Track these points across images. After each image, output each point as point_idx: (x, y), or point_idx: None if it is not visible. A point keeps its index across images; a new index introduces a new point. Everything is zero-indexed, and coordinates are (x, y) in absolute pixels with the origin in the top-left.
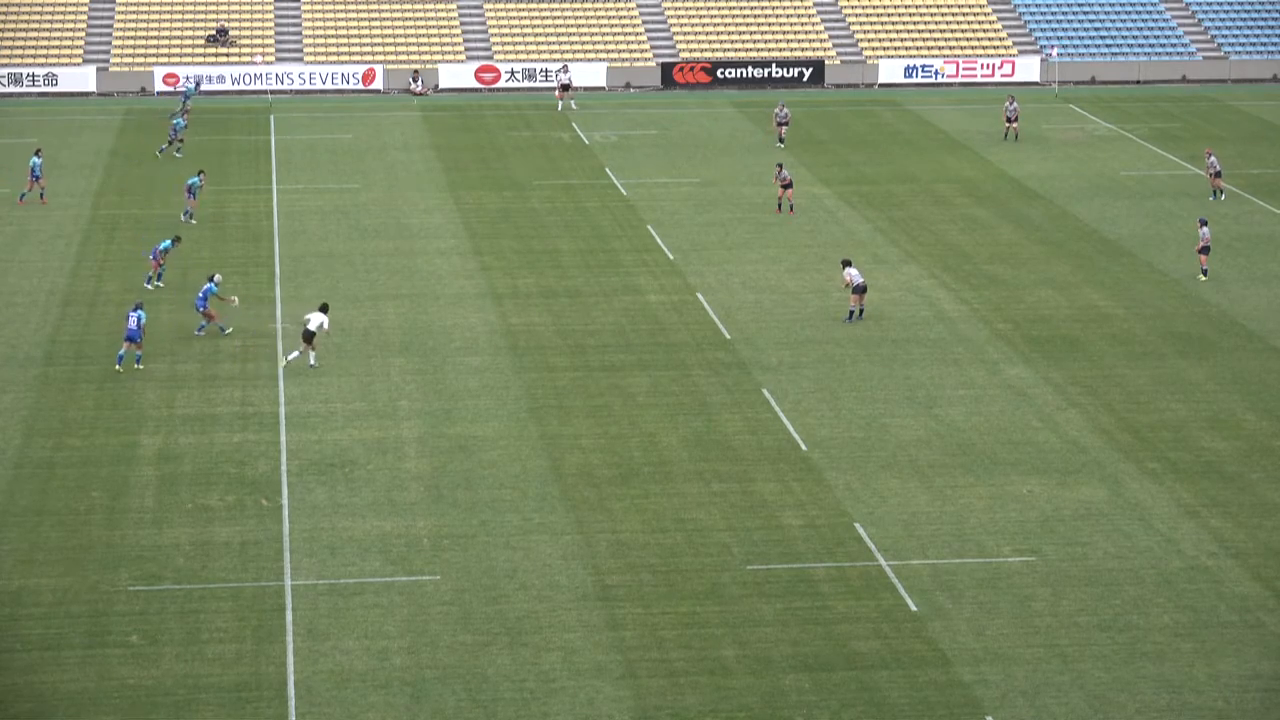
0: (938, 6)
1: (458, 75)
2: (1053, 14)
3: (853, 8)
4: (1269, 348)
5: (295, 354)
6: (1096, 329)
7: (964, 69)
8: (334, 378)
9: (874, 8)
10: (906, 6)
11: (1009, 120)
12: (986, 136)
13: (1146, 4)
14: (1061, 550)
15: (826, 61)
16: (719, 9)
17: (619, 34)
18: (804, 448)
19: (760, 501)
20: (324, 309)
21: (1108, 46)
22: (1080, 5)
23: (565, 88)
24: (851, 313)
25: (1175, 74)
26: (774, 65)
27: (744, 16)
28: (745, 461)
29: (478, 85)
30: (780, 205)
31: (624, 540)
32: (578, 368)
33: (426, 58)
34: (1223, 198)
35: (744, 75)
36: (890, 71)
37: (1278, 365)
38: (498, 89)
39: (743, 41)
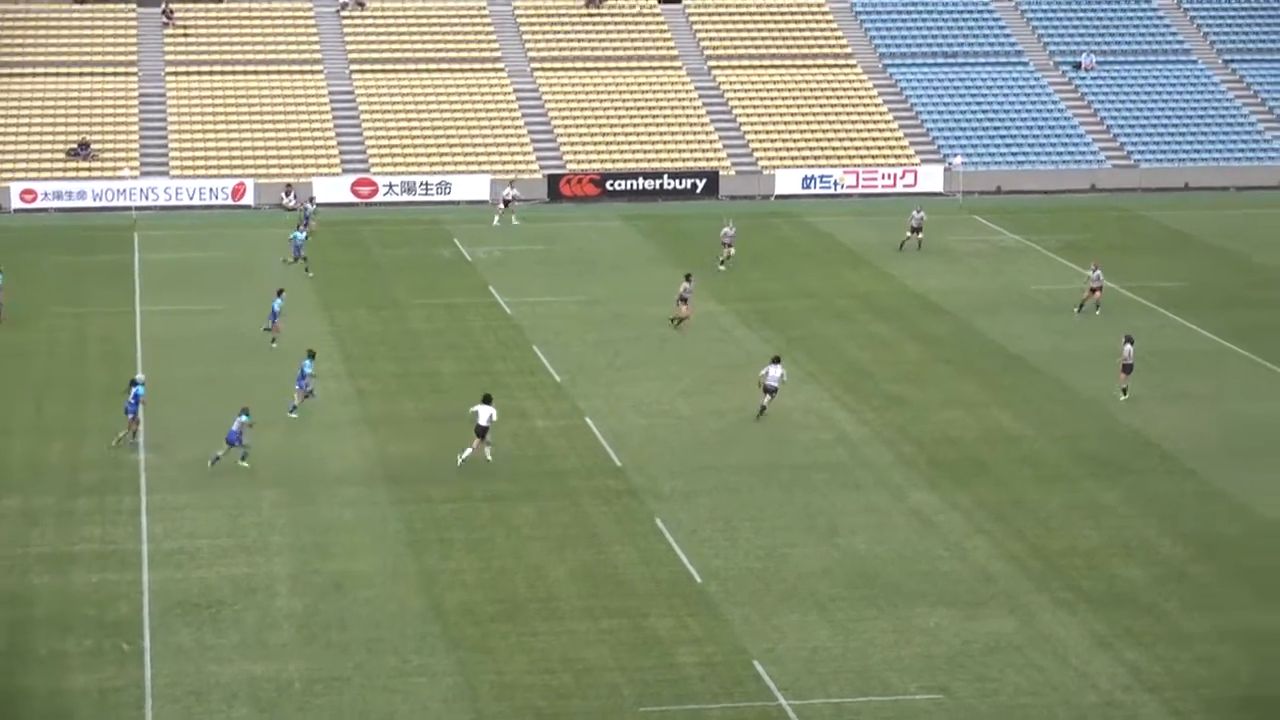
0: (837, 115)
1: (333, 189)
2: (956, 122)
3: (748, 116)
4: (1183, 469)
5: (468, 451)
6: (1005, 451)
7: (864, 179)
8: (200, 511)
9: (770, 117)
10: (804, 115)
11: (913, 230)
12: (889, 249)
13: (1054, 112)
14: (970, 687)
15: (721, 172)
16: (608, 118)
17: (503, 144)
18: (699, 580)
19: (653, 638)
20: (488, 400)
21: (1014, 155)
22: (985, 113)
23: (508, 202)
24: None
25: (1084, 183)
26: (665, 176)
27: (634, 126)
28: (637, 596)
29: (354, 199)
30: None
31: (509, 682)
32: (459, 498)
33: (300, 170)
34: (1097, 313)
35: (634, 187)
36: (787, 182)
37: (1192, 488)
38: (375, 203)
39: (633, 152)
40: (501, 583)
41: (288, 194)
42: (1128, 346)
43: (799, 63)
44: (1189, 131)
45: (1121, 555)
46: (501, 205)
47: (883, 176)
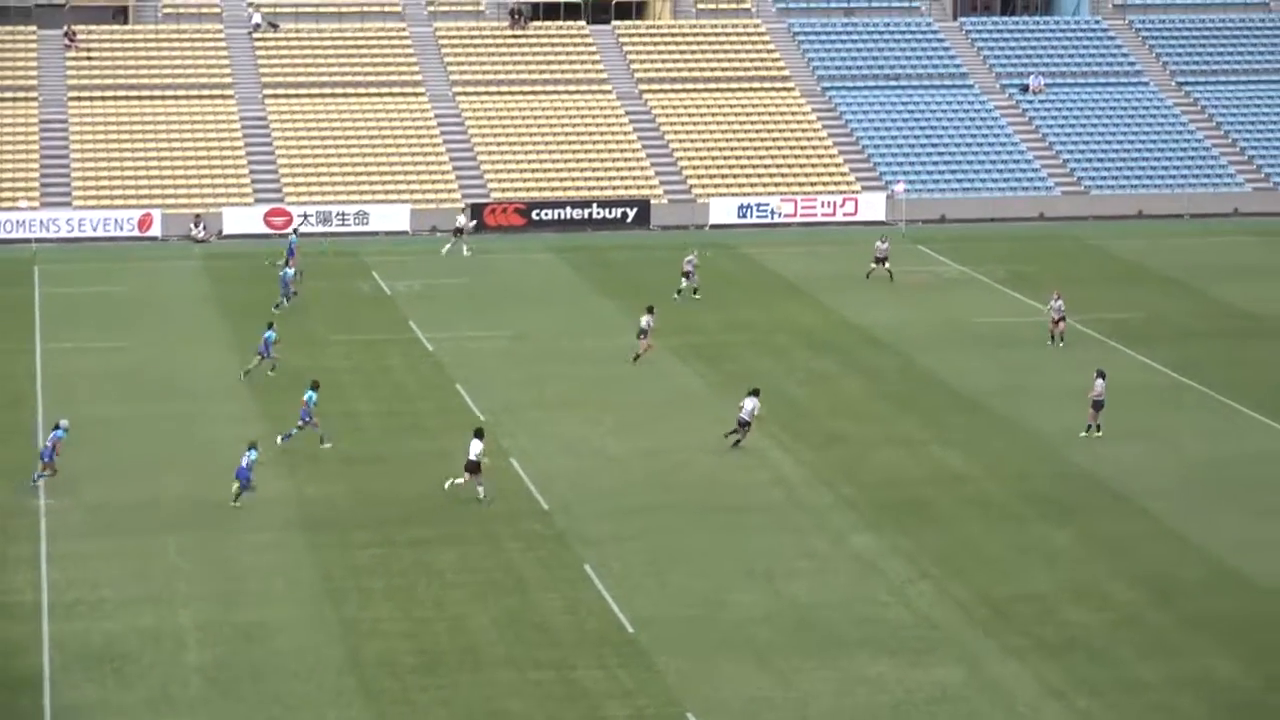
0: (774, 140)
1: (245, 220)
2: (899, 147)
3: (681, 142)
4: (1137, 510)
5: (458, 481)
6: (950, 491)
7: (803, 208)
8: (104, 559)
9: (704, 142)
10: (740, 140)
11: (878, 260)
12: (828, 281)
13: (1000, 136)
14: None
15: (653, 201)
16: (534, 144)
17: (424, 172)
18: (630, 629)
19: (581, 691)
20: (479, 434)
21: (959, 182)
22: (929, 138)
23: (459, 231)
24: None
25: (1032, 211)
26: (595, 205)
27: (562, 153)
28: (565, 646)
29: (267, 230)
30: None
31: None
32: (378, 543)
33: (210, 200)
34: (1061, 344)
35: (562, 217)
36: (722, 211)
37: (1147, 529)
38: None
39: (560, 180)
40: (422, 632)
41: (197, 225)
42: (1099, 381)
43: (734, 86)
44: (1141, 157)
45: (1073, 600)
46: (454, 234)
47: (822, 205)
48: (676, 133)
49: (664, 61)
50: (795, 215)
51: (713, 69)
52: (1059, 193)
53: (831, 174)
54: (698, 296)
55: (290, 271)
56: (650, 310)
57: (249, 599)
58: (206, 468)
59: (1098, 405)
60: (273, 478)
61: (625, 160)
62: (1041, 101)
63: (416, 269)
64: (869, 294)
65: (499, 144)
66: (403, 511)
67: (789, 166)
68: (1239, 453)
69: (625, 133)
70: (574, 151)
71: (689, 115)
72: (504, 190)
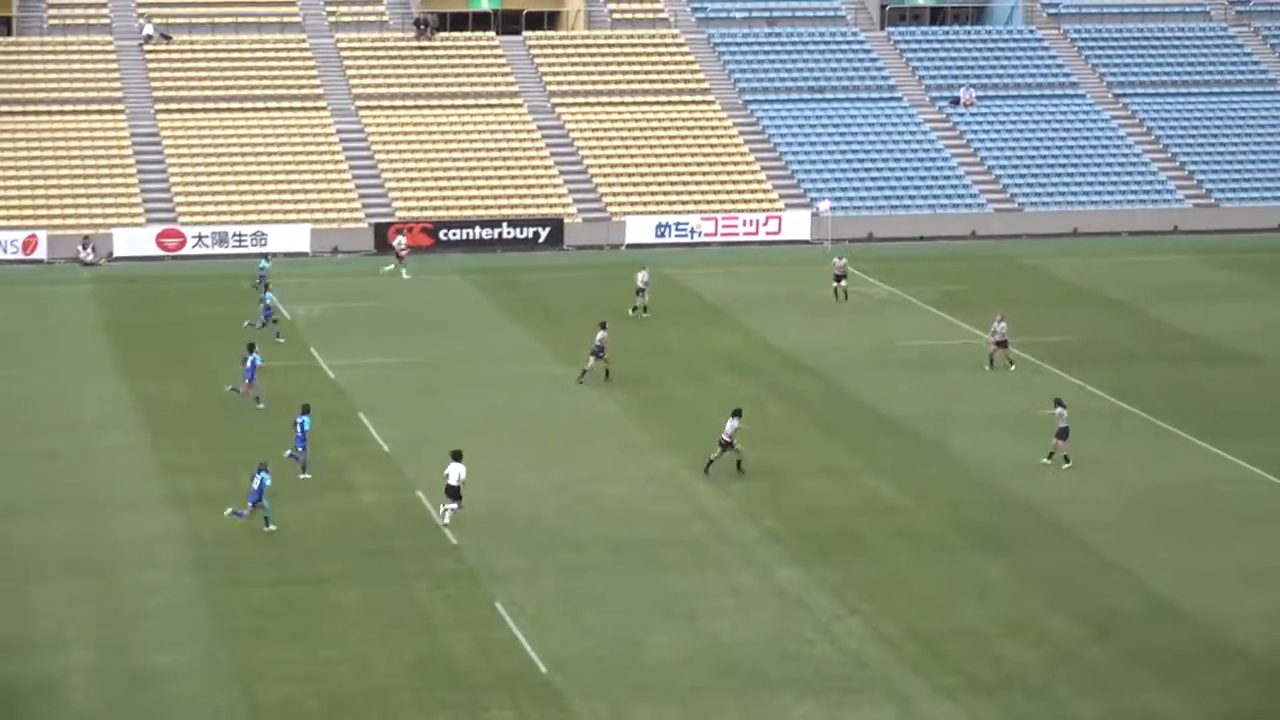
0: (693, 156)
1: (136, 242)
2: (824, 163)
3: (596, 158)
4: (1075, 541)
5: (450, 508)
6: (879, 522)
7: (724, 226)
8: None
9: (620, 158)
10: (658, 156)
11: (837, 278)
12: (750, 303)
13: (930, 151)
14: None
15: (566, 220)
16: (441, 161)
17: (325, 190)
18: (544, 670)
19: None
20: (457, 456)
21: (887, 199)
22: (855, 152)
23: (401, 256)
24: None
25: (964, 229)
26: (505, 225)
27: (470, 169)
28: (475, 688)
29: (160, 253)
30: (585, 374)
31: None
32: (277, 581)
33: (99, 221)
34: (1012, 369)
35: (471, 237)
36: (639, 230)
37: (1085, 561)
38: (183, 256)
39: (469, 198)
40: (326, 675)
41: (85, 247)
42: (1060, 410)
43: (651, 99)
44: (1077, 172)
45: (1008, 635)
46: (396, 258)
47: (744, 223)
48: (591, 148)
49: (578, 74)
50: (716, 234)
51: (629, 81)
52: (991, 210)
53: (754, 191)
54: (647, 315)
55: (271, 296)
56: (603, 326)
57: (141, 642)
58: (94, 504)
59: (1063, 434)
60: (159, 516)
61: (537, 177)
62: (973, 115)
63: (317, 292)
64: (791, 316)
65: (404, 160)
66: (303, 548)
67: (709, 183)
68: (1180, 480)
69: (537, 148)
70: (483, 168)
71: (604, 130)
72: (409, 209)
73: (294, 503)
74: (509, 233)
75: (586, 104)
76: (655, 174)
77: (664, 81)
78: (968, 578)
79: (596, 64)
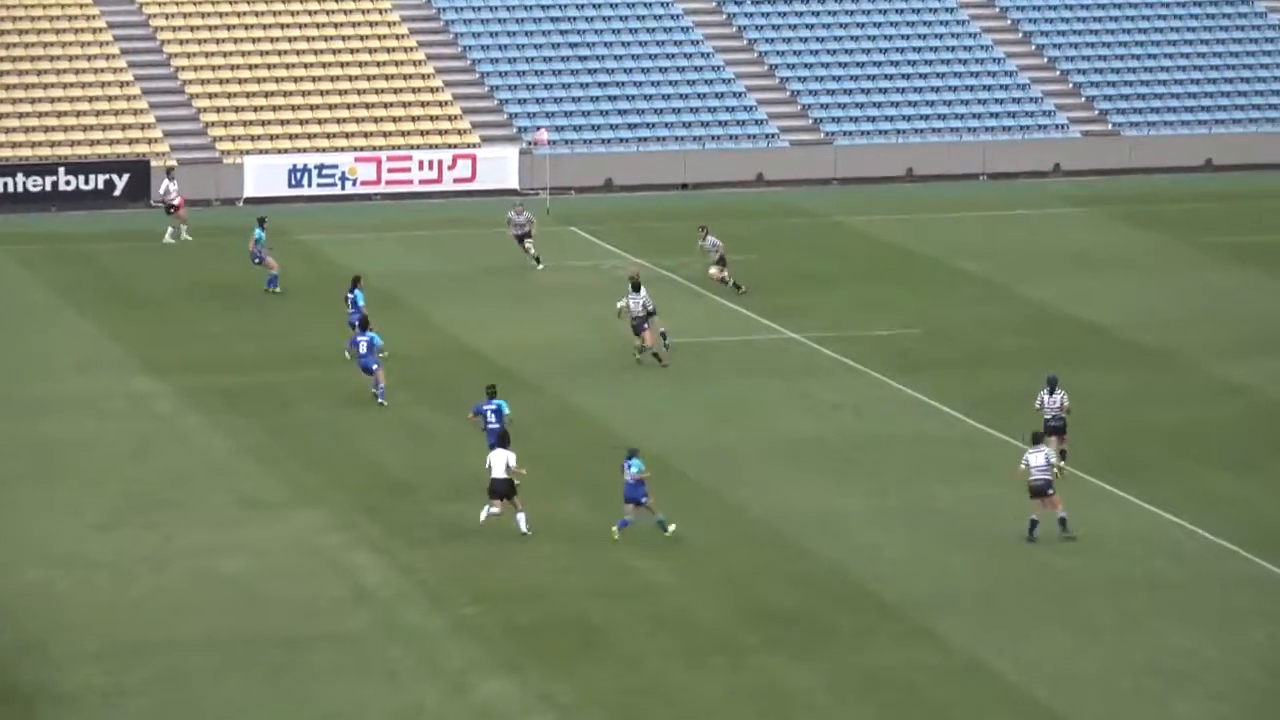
0: (345, 72)
1: None
2: (539, 80)
3: (198, 75)
4: (918, 630)
5: (489, 510)
6: (630, 607)
7: (390, 171)
8: None
9: (233, 76)
10: (290, 71)
11: (519, 238)
12: (432, 283)
13: (697, 61)
14: None
15: (153, 163)
16: None
17: None
18: None
19: None
20: (503, 440)
21: (632, 130)
22: (587, 65)
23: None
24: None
25: (748, 170)
26: (62, 172)
27: (7, 93)
28: None
29: None
30: None
31: None
32: None
33: None
34: (742, 292)
35: (9, 189)
36: (264, 178)
37: (935, 660)
38: None
39: (5, 134)
40: None
41: None
42: (1050, 395)
43: None
44: (913, 91)
45: None
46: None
47: (421, 166)
48: (191, 59)
49: None
50: (379, 183)
51: None
52: (785, 142)
53: (434, 118)
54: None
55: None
56: (635, 286)
57: None
58: None
59: (1057, 429)
60: None
61: (109, 98)
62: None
63: None
64: (494, 303)
65: None
66: None
67: (369, 110)
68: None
69: (109, 57)
70: (28, 91)
71: (209, 32)
72: None
73: None
74: (68, 182)
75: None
76: (287, 96)
77: None
78: (763, 687)
79: None
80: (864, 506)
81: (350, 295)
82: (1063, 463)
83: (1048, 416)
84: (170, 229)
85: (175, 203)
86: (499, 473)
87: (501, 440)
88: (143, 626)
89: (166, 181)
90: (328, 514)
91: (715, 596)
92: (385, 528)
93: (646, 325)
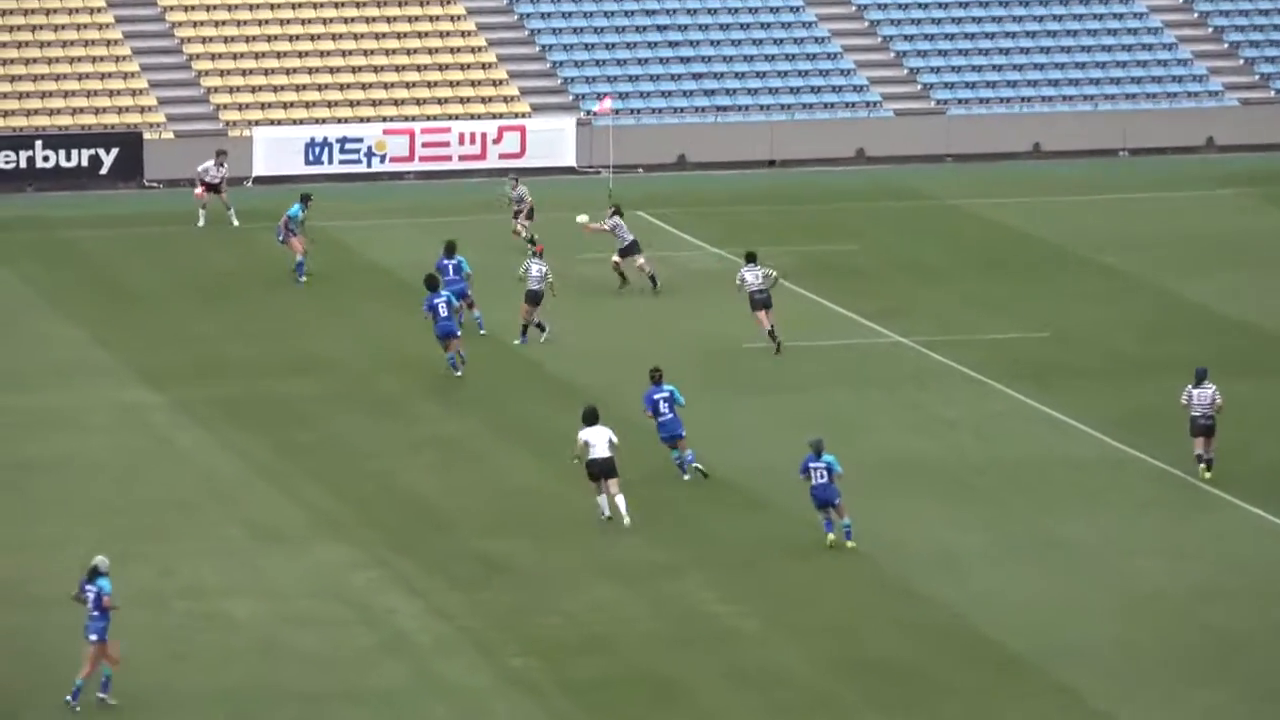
0: (371, 35)
1: None
2: (600, 43)
3: (200, 36)
4: (1048, 684)
5: (604, 501)
6: (707, 660)
7: (425, 145)
8: None
9: (240, 38)
10: (306, 35)
11: (516, 214)
12: (479, 272)
13: (776, 30)
14: None
15: (147, 136)
16: None
17: None
18: None
19: None
20: (592, 417)
21: (708, 97)
22: (652, 31)
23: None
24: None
25: (847, 147)
26: (40, 145)
27: None
28: None
29: None
30: None
31: None
32: None
33: None
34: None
35: None
36: (276, 153)
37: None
38: None
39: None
40: None
41: None
42: (1200, 390)
43: None
44: (1039, 56)
45: None
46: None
47: (461, 139)
48: (189, 13)
49: None
50: (411, 159)
51: None
52: (889, 112)
53: (477, 86)
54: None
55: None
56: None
57: None
58: None
59: (1206, 429)
60: None
61: (96, 65)
62: None
63: None
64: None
65: None
66: None
67: (399, 74)
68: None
69: (97, 15)
70: (8, 64)
71: None
72: None
73: None
74: (46, 158)
75: None
76: (303, 58)
77: None
78: None
79: None
80: (985, 541)
81: (448, 262)
82: (1208, 473)
83: (1195, 414)
84: (231, 209)
85: (215, 182)
86: (602, 451)
87: (591, 418)
88: (137, 677)
89: (209, 163)
90: (353, 548)
91: (809, 646)
92: (420, 564)
93: (767, 305)
